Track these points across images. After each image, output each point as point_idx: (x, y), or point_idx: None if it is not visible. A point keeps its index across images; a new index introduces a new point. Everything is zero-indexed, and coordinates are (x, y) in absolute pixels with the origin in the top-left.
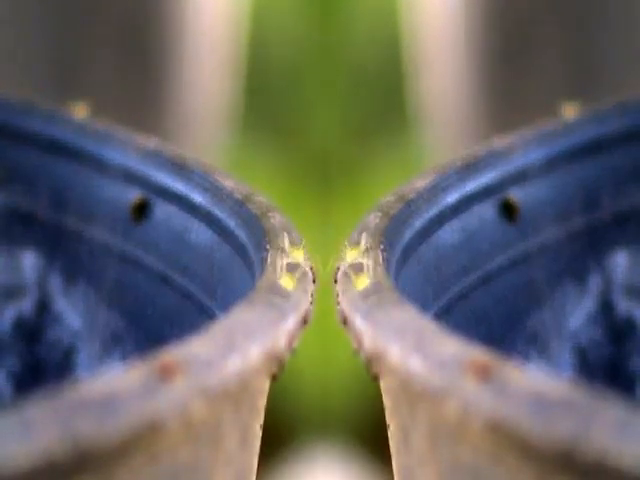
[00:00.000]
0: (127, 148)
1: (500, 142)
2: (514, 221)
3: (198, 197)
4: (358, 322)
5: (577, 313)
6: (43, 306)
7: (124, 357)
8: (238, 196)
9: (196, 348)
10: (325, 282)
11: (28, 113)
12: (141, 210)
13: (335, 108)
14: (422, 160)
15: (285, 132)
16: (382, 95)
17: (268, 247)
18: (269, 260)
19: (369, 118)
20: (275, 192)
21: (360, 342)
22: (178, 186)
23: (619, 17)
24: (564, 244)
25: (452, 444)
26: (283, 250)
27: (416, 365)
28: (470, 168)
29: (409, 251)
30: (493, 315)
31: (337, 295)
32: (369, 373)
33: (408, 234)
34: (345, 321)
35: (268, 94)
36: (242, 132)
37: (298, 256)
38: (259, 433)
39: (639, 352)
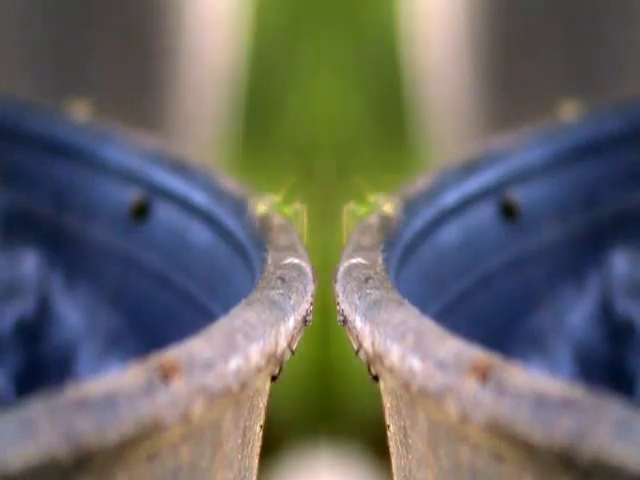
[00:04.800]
0: (127, 148)
1: (500, 142)
2: (514, 221)
3: (198, 197)
4: (358, 322)
5: (576, 313)
6: (44, 306)
7: (124, 357)
8: (238, 196)
9: (196, 348)
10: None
11: (28, 113)
12: (141, 210)
13: (335, 107)
14: (422, 160)
15: (284, 131)
16: (382, 93)
17: (268, 247)
18: (269, 260)
19: (369, 117)
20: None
21: (360, 342)
22: (178, 186)
23: (619, 17)
24: (563, 244)
25: (452, 444)
26: (283, 250)
27: (416, 365)
28: (470, 168)
29: (409, 251)
30: (493, 315)
31: (337, 295)
32: (369, 373)
33: (408, 234)
34: (345, 321)
35: (268, 92)
36: (243, 130)
37: (297, 255)
38: (259, 433)
39: (638, 352)
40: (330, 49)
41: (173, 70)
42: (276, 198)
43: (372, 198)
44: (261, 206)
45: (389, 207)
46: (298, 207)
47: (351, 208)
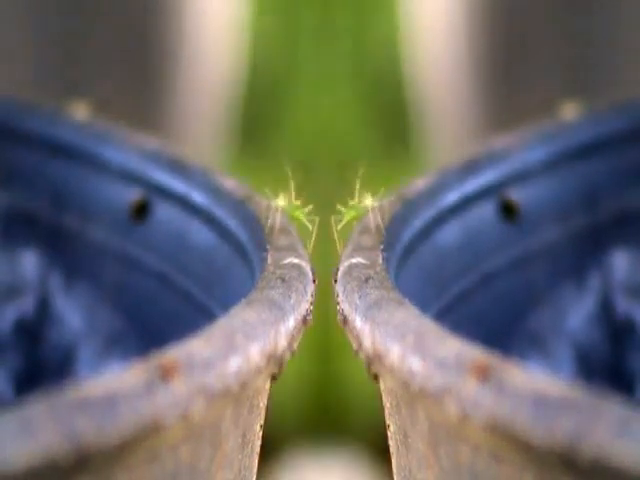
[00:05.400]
0: (127, 148)
1: (500, 142)
2: (514, 221)
3: (198, 197)
4: (358, 322)
5: (577, 313)
6: (43, 306)
7: (124, 357)
8: (238, 196)
9: (196, 348)
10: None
11: (28, 113)
12: (141, 210)
13: (335, 108)
14: (423, 160)
15: (284, 135)
16: (383, 95)
17: (268, 247)
18: (269, 260)
19: (370, 120)
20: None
21: (360, 342)
22: (178, 186)
23: (618, 17)
24: (564, 244)
25: (452, 444)
26: (283, 250)
27: (416, 365)
28: (470, 168)
29: (409, 251)
30: (493, 315)
31: (337, 295)
32: (369, 373)
33: (408, 234)
34: (345, 321)
35: (267, 94)
36: (241, 132)
37: (297, 255)
38: (259, 433)
39: (638, 352)
40: (330, 52)
41: (173, 72)
42: (288, 201)
43: (362, 201)
44: (279, 202)
45: (377, 208)
46: (310, 213)
47: (340, 211)
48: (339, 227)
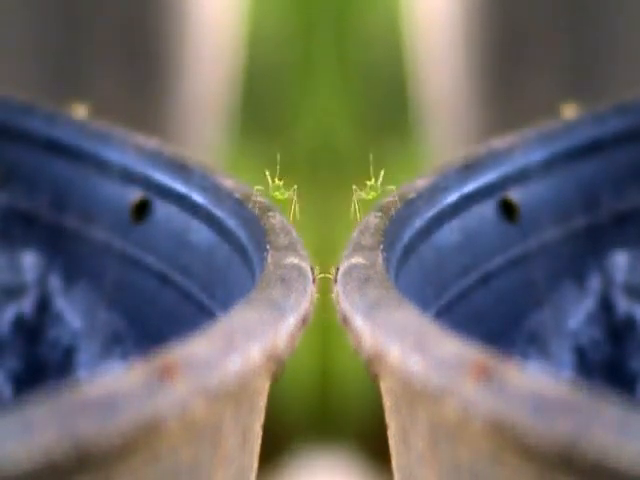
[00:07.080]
0: (127, 148)
1: (500, 142)
2: (514, 221)
3: (198, 197)
4: (358, 322)
5: (577, 313)
6: (43, 306)
7: (124, 357)
8: (238, 196)
9: (196, 348)
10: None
11: (28, 113)
12: (141, 210)
13: (337, 108)
14: (423, 160)
15: (284, 133)
16: (383, 94)
17: (268, 247)
18: (269, 260)
19: (371, 119)
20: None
21: (360, 342)
22: (178, 186)
23: (618, 17)
24: (564, 244)
25: (452, 444)
26: (283, 250)
27: (416, 365)
28: (470, 168)
29: (409, 251)
30: (493, 315)
31: (337, 295)
32: (369, 373)
33: (408, 234)
34: (345, 321)
35: (267, 95)
36: (240, 133)
37: (297, 255)
38: (259, 433)
39: (639, 352)
40: (331, 52)
41: (174, 72)
42: (271, 182)
43: (377, 186)
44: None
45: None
46: (290, 193)
47: (358, 194)
48: (356, 208)
